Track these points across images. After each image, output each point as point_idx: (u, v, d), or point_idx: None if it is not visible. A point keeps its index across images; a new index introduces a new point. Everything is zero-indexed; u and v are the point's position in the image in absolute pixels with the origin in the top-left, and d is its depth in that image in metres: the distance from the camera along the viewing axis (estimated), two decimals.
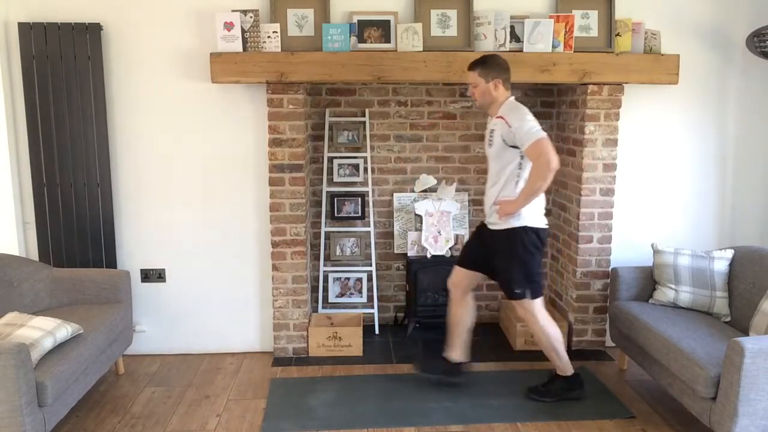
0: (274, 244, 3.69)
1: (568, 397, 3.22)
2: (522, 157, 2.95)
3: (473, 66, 3.06)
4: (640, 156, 3.90)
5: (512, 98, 3.08)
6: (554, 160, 2.82)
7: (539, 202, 3.04)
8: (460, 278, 3.31)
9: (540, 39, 3.54)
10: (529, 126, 2.89)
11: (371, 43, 3.60)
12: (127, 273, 3.53)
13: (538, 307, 3.12)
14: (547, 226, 3.10)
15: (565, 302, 3.98)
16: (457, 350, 3.37)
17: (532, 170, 2.90)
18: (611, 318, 3.64)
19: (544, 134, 2.87)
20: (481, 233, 3.25)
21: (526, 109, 2.99)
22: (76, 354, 2.84)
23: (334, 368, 3.66)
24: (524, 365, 3.66)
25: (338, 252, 4.16)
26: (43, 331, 2.74)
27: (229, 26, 3.43)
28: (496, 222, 3.07)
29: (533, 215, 3.02)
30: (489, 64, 3.04)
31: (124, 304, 3.44)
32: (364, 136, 4.04)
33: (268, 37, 3.48)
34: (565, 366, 3.22)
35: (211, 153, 3.72)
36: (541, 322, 3.13)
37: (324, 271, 4.13)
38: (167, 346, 3.89)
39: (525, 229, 3.01)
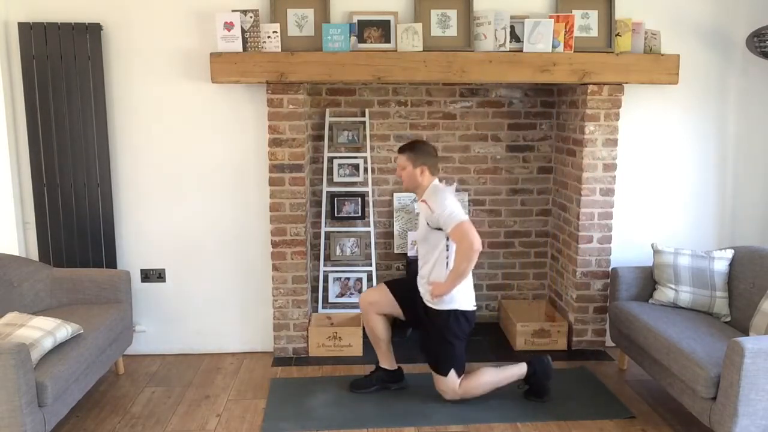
0: (274, 244, 3.69)
1: (550, 377, 3.22)
2: (448, 239, 3.01)
3: (402, 150, 3.15)
4: (640, 156, 3.90)
5: (436, 181, 3.13)
6: (476, 242, 2.88)
7: (469, 282, 3.11)
8: (379, 298, 3.26)
9: (540, 39, 3.54)
10: (450, 210, 2.94)
11: (371, 43, 3.60)
12: (127, 273, 3.53)
13: (457, 381, 3.14)
14: (475, 308, 3.15)
15: (565, 302, 3.98)
16: (389, 360, 3.37)
17: (457, 253, 2.96)
18: (611, 318, 3.64)
19: (465, 217, 2.94)
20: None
21: (447, 193, 3.04)
22: (76, 354, 2.84)
23: (334, 368, 3.66)
24: None
25: (338, 252, 4.16)
26: (43, 331, 2.74)
27: (229, 26, 3.43)
28: (429, 301, 3.12)
29: (464, 297, 3.09)
30: (417, 151, 3.11)
31: (124, 304, 3.44)
32: (364, 136, 4.04)
33: (268, 37, 3.48)
34: (518, 374, 3.21)
35: (211, 153, 3.73)
36: (466, 389, 3.14)
37: (324, 271, 4.13)
38: (167, 346, 3.89)
39: (456, 314, 3.07)
